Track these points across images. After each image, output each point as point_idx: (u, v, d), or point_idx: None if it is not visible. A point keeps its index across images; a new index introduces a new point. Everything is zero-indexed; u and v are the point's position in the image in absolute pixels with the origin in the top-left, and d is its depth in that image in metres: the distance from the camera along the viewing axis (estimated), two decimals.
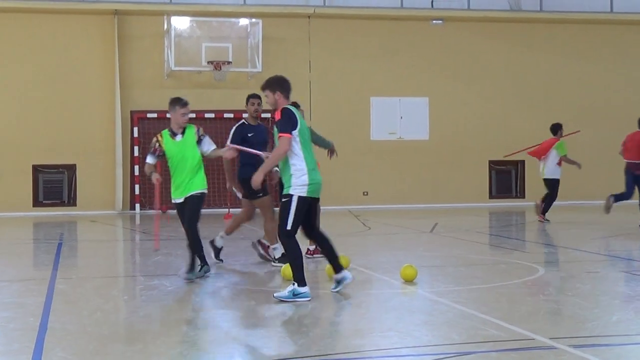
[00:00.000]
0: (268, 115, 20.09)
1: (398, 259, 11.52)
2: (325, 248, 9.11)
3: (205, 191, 10.75)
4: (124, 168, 24.32)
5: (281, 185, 10.78)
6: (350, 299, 8.66)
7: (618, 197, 18.71)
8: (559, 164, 19.85)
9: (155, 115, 24.51)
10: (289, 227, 8.65)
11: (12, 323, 7.53)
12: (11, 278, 10.62)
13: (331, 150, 13.22)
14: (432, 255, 12.83)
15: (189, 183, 10.35)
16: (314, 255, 12.53)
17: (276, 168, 11.32)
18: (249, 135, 11.95)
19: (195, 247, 10.15)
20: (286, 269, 9.80)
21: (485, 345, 6.36)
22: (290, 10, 25.51)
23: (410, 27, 26.35)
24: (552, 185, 19.70)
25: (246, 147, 11.29)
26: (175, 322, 7.58)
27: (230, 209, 22.49)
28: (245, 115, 12.22)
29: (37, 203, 24.46)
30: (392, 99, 26.23)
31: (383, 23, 26.20)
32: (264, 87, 9.55)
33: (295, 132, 8.87)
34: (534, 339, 6.53)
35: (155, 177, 10.48)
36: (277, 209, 11.15)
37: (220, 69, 24.09)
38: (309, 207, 8.99)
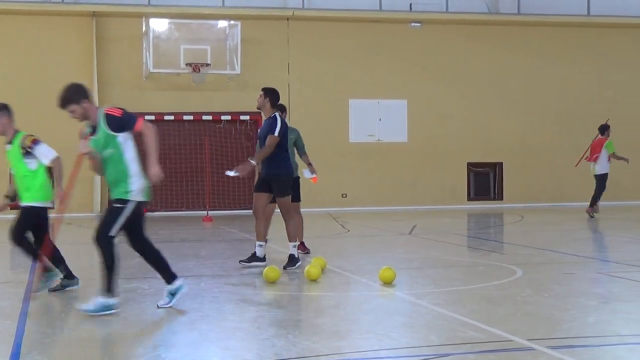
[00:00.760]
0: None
1: (377, 261, 11.53)
2: (153, 257, 8.72)
3: (38, 204, 10.04)
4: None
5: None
6: (329, 301, 8.66)
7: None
8: (609, 160, 21.41)
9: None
10: (113, 233, 8.33)
11: None
12: None
13: None
14: (410, 257, 12.85)
15: (21, 195, 9.85)
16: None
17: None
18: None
19: (28, 256, 9.85)
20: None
21: (463, 346, 6.38)
22: (269, 13, 25.52)
23: (389, 29, 26.41)
24: (603, 179, 21.32)
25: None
26: (153, 325, 7.55)
27: (209, 212, 22.45)
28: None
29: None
30: (370, 101, 26.28)
31: (362, 25, 26.25)
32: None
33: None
34: (512, 340, 6.56)
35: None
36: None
37: (199, 71, 24.06)
38: (140, 213, 8.59)
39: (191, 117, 24.85)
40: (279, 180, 11.43)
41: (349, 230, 18.38)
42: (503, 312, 7.80)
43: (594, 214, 20.91)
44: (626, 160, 22.13)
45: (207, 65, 24.25)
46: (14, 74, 24.22)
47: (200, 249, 14.37)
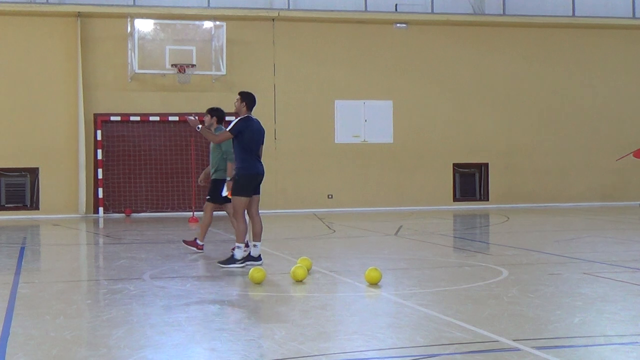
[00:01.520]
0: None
1: (362, 262, 11.54)
2: None
3: None
4: (87, 171, 24.14)
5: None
6: (315, 302, 8.66)
7: None
8: None
9: (118, 118, 24.42)
10: None
11: None
12: None
13: None
14: (396, 258, 12.86)
15: None
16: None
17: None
18: None
19: None
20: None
21: (449, 347, 6.39)
22: (255, 14, 25.51)
23: (374, 30, 26.44)
24: None
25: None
26: (139, 326, 7.53)
27: (195, 213, 22.41)
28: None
29: None
30: (356, 102, 26.30)
31: (347, 26, 26.26)
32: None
33: None
34: (498, 341, 6.57)
35: None
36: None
37: (184, 71, 24.02)
38: None
39: (177, 118, 24.80)
40: (234, 179, 11.71)
41: (334, 231, 18.39)
42: (489, 313, 7.82)
43: None
44: None
45: (193, 66, 24.22)
46: None
47: (185, 251, 14.33)
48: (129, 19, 24.29)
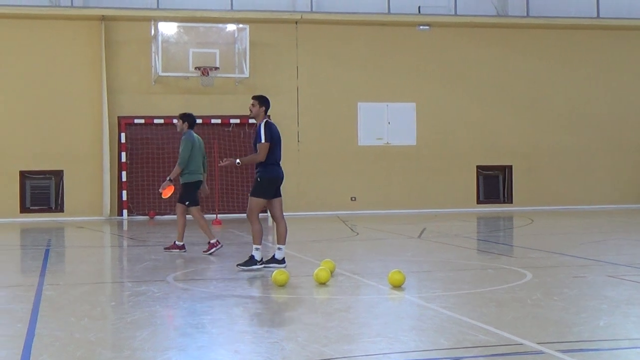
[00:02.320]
0: None
1: (386, 265, 11.52)
2: None
3: None
4: (112, 174, 24.27)
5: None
6: (339, 305, 8.66)
7: None
8: None
9: (142, 121, 24.54)
10: None
11: (0, 329, 7.50)
12: None
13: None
14: (420, 260, 12.84)
15: None
16: (172, 250, 13.92)
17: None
18: None
19: None
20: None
21: (473, 350, 6.37)
22: (278, 16, 25.55)
23: (398, 32, 26.41)
24: None
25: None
26: (163, 328, 7.56)
27: (219, 215, 22.47)
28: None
29: (24, 209, 24.40)
30: (379, 104, 26.28)
31: (370, 29, 26.26)
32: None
33: None
34: (522, 344, 6.54)
35: None
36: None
37: (208, 74, 24.09)
38: None
39: (200, 121, 24.77)
40: (256, 180, 11.59)
41: (358, 234, 18.37)
42: (513, 316, 7.78)
43: None
44: None
45: (216, 68, 24.29)
46: (23, 78, 24.32)
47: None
48: (152, 22, 24.40)
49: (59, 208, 24.63)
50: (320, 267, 10.11)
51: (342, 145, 25.96)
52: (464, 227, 20.57)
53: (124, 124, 24.39)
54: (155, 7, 25.29)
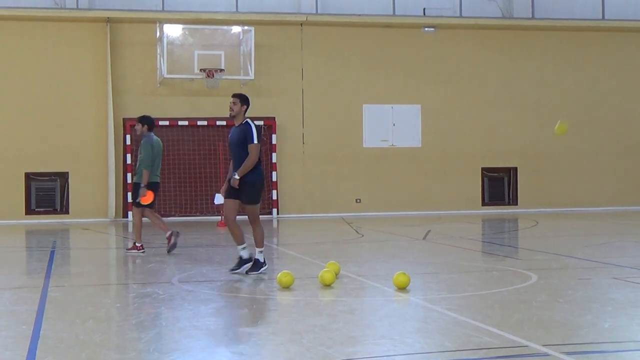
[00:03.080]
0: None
1: (391, 266, 11.52)
2: None
3: None
4: (117, 175, 24.29)
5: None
6: (344, 306, 8.66)
7: None
8: None
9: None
10: None
11: (5, 331, 7.51)
12: (3, 286, 10.59)
13: None
14: (424, 262, 12.83)
15: None
16: (131, 251, 14.15)
17: None
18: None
19: None
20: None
21: (478, 352, 6.36)
22: (283, 18, 25.55)
23: (403, 34, 26.40)
24: None
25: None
26: (168, 330, 7.56)
27: (223, 217, 22.45)
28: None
29: (29, 211, 24.42)
30: (384, 106, 26.26)
31: (375, 30, 26.25)
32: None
33: None
34: (527, 346, 6.54)
35: None
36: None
37: (213, 76, 24.10)
38: None
39: (205, 123, 24.90)
40: (249, 186, 11.07)
41: (363, 236, 18.37)
42: (518, 318, 7.78)
43: None
44: None
45: (221, 70, 24.30)
46: (29, 80, 24.35)
47: (214, 255, 14.40)
48: (157, 24, 24.41)
49: (64, 210, 24.66)
50: (325, 269, 10.11)
51: (347, 147, 25.95)
52: (469, 229, 20.55)
53: (129, 125, 24.38)
54: (161, 9, 25.32)
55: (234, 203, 11.13)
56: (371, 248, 16.01)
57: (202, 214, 24.90)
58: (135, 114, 24.44)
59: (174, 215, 24.40)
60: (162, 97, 24.73)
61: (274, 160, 25.26)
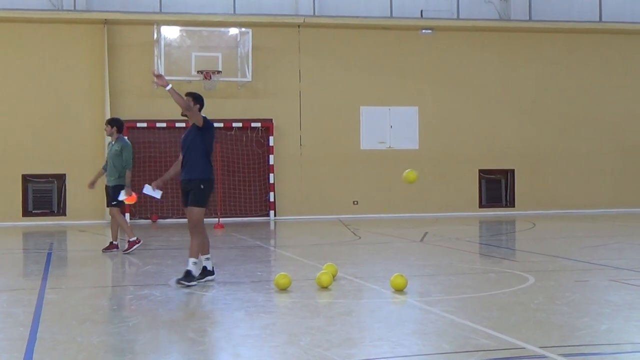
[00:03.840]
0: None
1: (388, 268, 11.51)
2: None
3: None
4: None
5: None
6: (341, 308, 8.65)
7: None
8: None
9: (145, 124, 24.55)
10: None
11: (2, 333, 7.50)
12: (0, 288, 10.58)
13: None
14: (422, 264, 12.83)
15: None
16: (112, 250, 14.47)
17: None
18: None
19: None
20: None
21: (475, 354, 6.36)
22: (280, 20, 25.55)
23: (400, 36, 26.41)
24: None
25: None
26: (165, 332, 7.56)
27: (221, 219, 22.46)
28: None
29: (26, 213, 24.40)
30: (381, 108, 26.27)
31: (373, 32, 26.26)
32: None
33: None
34: (524, 348, 6.54)
35: None
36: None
37: (210, 78, 24.10)
38: None
39: None
40: (196, 184, 10.50)
41: (360, 237, 18.37)
42: (515, 320, 7.78)
43: None
44: None
45: (219, 72, 24.30)
46: (26, 82, 24.34)
47: (211, 257, 14.36)
48: (155, 26, 24.41)
49: (61, 212, 24.63)
50: (323, 271, 10.10)
51: (344, 149, 25.95)
52: (467, 231, 20.56)
53: (127, 127, 24.35)
54: (158, 10, 25.31)
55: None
56: (368, 250, 16.01)
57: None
58: (133, 115, 24.55)
59: (171, 217, 24.39)
60: (160, 99, 24.69)
61: (271, 162, 25.26)
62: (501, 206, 27.32)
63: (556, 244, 16.41)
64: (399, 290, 9.50)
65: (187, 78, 24.39)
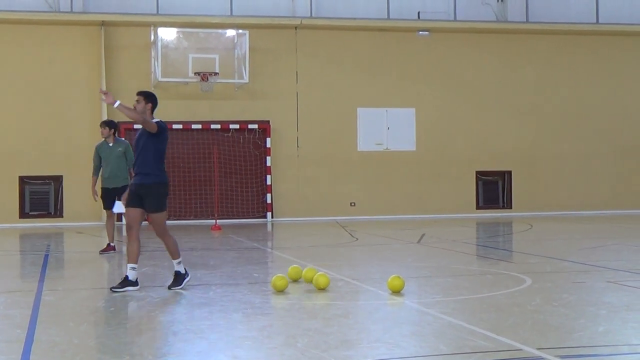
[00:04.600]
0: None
1: (385, 270, 11.51)
2: None
3: None
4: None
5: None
6: (338, 310, 8.65)
7: None
8: None
9: (141, 126, 24.49)
10: None
11: None
12: None
13: None
14: (419, 266, 12.83)
15: None
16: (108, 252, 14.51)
17: None
18: None
19: None
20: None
21: (473, 356, 6.36)
22: (277, 22, 25.56)
23: (397, 38, 26.43)
24: None
25: None
26: (162, 334, 7.55)
27: (218, 220, 22.45)
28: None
29: (23, 214, 24.38)
30: (378, 109, 26.29)
31: (370, 34, 26.27)
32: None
33: None
34: (521, 350, 6.54)
35: None
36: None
37: (207, 80, 24.11)
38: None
39: (199, 126, 24.90)
40: (152, 189, 10.22)
41: (357, 239, 18.36)
42: (512, 321, 7.78)
43: None
44: None
45: (216, 74, 24.30)
46: (23, 83, 24.33)
47: (208, 258, 14.38)
48: (152, 28, 24.41)
49: (58, 213, 24.62)
50: (319, 273, 10.07)
51: (341, 150, 25.96)
52: (464, 232, 20.57)
53: (123, 129, 24.34)
54: (155, 12, 25.31)
55: (136, 211, 10.29)
56: (365, 252, 16.01)
57: (196, 217, 24.88)
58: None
59: (168, 219, 24.36)
60: None
61: (268, 164, 25.26)
62: (498, 208, 27.34)
63: (553, 246, 16.41)
64: (396, 291, 9.49)
65: (184, 80, 24.41)
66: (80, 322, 8.06)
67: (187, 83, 24.62)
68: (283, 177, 25.58)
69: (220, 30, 25.02)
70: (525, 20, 27.35)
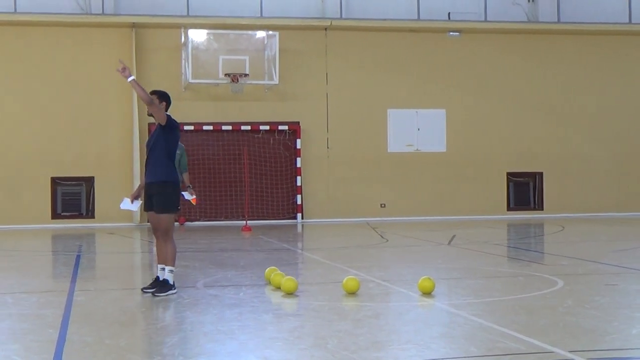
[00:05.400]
0: None
1: (416, 271, 11.48)
2: None
3: None
4: (142, 180, 24.34)
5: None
6: (368, 312, 8.63)
7: None
8: None
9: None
10: None
11: (31, 335, 7.55)
12: (30, 290, 10.65)
13: None
14: (449, 267, 12.78)
15: None
16: None
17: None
18: None
19: None
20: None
21: (504, 358, 6.32)
22: (307, 23, 25.57)
23: (427, 39, 26.35)
24: None
25: None
26: (193, 334, 7.57)
27: (248, 222, 22.49)
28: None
29: (55, 215, 24.57)
30: (409, 110, 26.22)
31: (400, 35, 26.21)
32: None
33: None
34: (552, 352, 6.49)
35: None
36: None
37: (237, 81, 24.17)
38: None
39: (230, 128, 24.97)
40: (159, 188, 10.03)
41: (387, 240, 18.33)
42: (543, 323, 7.72)
43: None
44: None
45: (246, 75, 24.35)
46: (55, 85, 24.51)
47: (239, 259, 14.41)
48: (182, 29, 24.51)
49: (90, 214, 24.79)
50: (349, 277, 10.00)
51: (371, 151, 25.93)
52: (494, 234, 20.46)
53: None
54: (186, 14, 25.42)
55: (153, 214, 10.13)
56: (396, 253, 15.97)
57: (226, 218, 24.96)
58: None
59: (198, 220, 24.47)
60: (187, 102, 24.80)
61: (298, 165, 25.29)
62: (529, 209, 27.18)
63: (585, 247, 16.29)
64: (427, 293, 9.46)
65: (215, 81, 24.48)
66: (112, 322, 8.11)
67: (217, 84, 24.70)
68: (313, 178, 25.60)
69: (250, 32, 25.07)
70: (556, 20, 27.17)
